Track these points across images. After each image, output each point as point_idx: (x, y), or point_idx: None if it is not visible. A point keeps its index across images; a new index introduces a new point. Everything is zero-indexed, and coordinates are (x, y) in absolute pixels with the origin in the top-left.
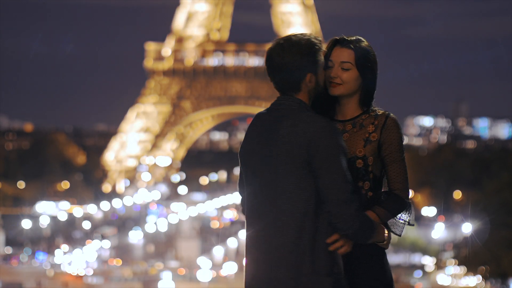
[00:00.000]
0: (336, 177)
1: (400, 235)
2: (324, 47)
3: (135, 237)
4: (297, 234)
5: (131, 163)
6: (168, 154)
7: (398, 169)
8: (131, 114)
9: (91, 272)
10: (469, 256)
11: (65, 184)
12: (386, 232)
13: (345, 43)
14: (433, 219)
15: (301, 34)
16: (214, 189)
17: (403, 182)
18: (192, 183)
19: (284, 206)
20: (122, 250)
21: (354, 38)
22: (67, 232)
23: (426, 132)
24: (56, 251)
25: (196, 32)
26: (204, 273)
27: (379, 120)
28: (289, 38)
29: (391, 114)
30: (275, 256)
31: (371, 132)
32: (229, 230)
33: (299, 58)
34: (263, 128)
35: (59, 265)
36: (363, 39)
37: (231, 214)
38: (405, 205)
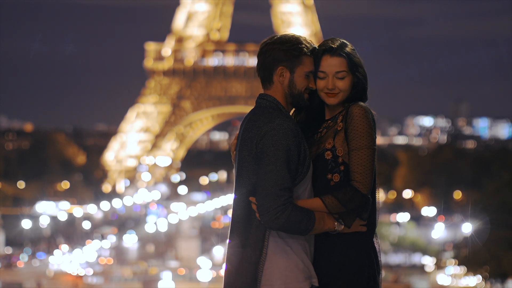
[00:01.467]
0: (269, 170)
1: (349, 227)
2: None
3: (130, 240)
4: (246, 226)
5: (131, 163)
6: (168, 154)
7: (356, 158)
8: (131, 114)
9: (91, 272)
10: (469, 256)
11: (65, 184)
12: (335, 222)
13: (335, 51)
14: (433, 219)
15: (298, 35)
16: (214, 189)
17: (361, 173)
18: (192, 183)
19: (237, 197)
20: (121, 251)
21: (339, 42)
22: (67, 232)
23: (426, 132)
24: (56, 251)
25: (196, 32)
26: (204, 273)
27: (346, 109)
28: (283, 34)
29: (360, 103)
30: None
31: (339, 122)
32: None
33: (275, 48)
34: (243, 124)
35: (59, 265)
36: (347, 42)
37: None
38: (358, 197)
